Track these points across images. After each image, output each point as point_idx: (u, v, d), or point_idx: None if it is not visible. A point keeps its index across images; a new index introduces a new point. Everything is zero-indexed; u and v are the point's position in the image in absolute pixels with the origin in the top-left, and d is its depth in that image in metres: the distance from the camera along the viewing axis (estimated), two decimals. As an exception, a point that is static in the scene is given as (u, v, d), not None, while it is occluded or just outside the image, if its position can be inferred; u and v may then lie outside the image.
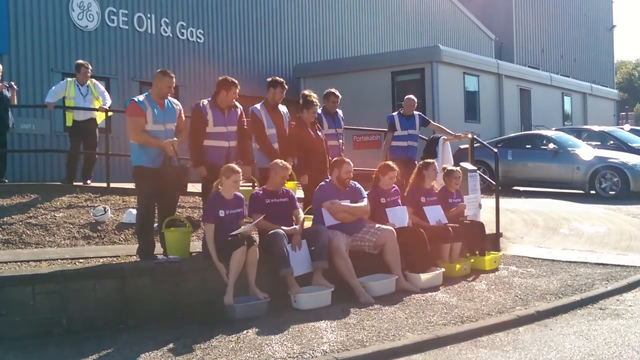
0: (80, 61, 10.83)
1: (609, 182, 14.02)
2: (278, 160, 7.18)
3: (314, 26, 21.29)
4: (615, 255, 8.94)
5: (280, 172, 7.04)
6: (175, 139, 6.77)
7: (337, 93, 9.14)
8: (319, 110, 8.79)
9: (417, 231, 7.69)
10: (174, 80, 6.95)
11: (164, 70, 7.05)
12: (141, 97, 6.83)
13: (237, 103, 7.53)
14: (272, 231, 6.71)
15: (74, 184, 10.35)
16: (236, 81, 7.40)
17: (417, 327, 5.79)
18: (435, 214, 8.18)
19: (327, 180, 7.56)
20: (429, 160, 8.66)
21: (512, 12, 33.42)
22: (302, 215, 7.27)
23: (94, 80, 10.80)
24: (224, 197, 6.52)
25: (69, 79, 10.73)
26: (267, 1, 19.58)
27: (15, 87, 10.55)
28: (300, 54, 20.78)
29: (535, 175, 15.23)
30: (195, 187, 9.21)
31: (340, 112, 9.27)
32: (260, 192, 7.08)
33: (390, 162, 8.16)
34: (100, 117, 10.67)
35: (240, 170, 6.61)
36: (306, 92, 8.49)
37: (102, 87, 10.90)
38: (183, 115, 7.16)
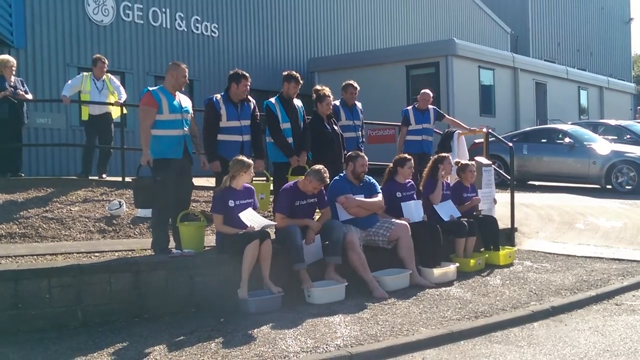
0: (98, 55, 10.87)
1: (625, 177, 13.89)
2: (320, 168, 6.85)
3: (328, 20, 21.23)
4: (632, 251, 8.87)
5: (314, 183, 6.79)
6: (150, 158, 6.64)
7: (355, 84, 9.12)
8: (337, 102, 8.78)
9: (431, 226, 7.67)
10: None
11: (176, 61, 7.11)
12: (156, 89, 6.86)
13: (249, 97, 7.53)
14: (286, 225, 6.72)
15: (90, 178, 10.41)
16: (247, 74, 7.39)
17: (431, 322, 5.79)
18: (448, 209, 8.15)
19: (342, 174, 7.56)
20: (444, 154, 8.63)
21: (527, 5, 33.08)
22: (329, 215, 7.18)
23: (109, 74, 10.84)
24: (234, 188, 6.60)
25: (85, 73, 10.79)
26: (281, -5, 19.59)
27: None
28: (314, 48, 20.74)
29: (551, 169, 15.10)
30: (209, 182, 9.25)
31: (359, 104, 9.23)
32: (291, 188, 6.94)
33: (405, 154, 8.15)
34: (115, 112, 10.72)
35: (251, 163, 6.69)
36: (317, 87, 8.49)
37: (117, 82, 10.94)
38: (192, 113, 7.18)
